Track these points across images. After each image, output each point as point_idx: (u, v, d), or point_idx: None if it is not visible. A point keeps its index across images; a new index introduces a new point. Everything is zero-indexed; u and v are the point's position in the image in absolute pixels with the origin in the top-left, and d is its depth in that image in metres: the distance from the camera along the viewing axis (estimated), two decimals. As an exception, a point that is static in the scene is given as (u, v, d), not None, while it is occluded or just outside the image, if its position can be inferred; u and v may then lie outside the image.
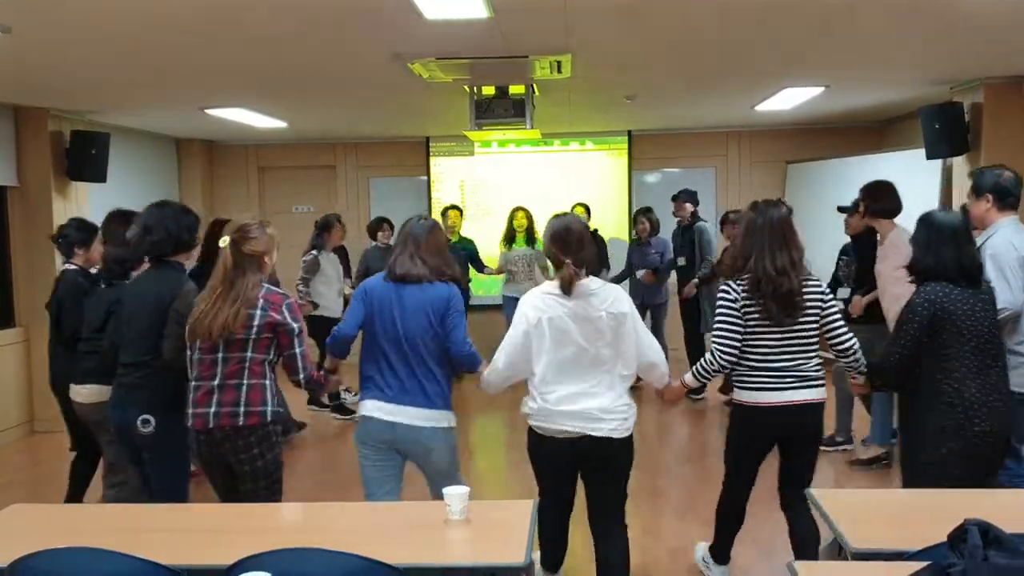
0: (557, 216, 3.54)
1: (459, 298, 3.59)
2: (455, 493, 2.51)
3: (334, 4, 4.28)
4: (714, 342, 3.57)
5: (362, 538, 2.40)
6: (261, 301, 3.35)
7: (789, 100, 7.77)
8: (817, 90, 7.26)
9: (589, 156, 10.26)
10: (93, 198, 7.68)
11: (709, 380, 3.83)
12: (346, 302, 7.51)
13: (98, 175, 7.51)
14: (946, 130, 6.92)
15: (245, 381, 3.36)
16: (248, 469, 3.39)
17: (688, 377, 3.74)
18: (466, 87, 6.49)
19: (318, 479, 5.82)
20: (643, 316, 7.85)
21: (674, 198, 8.19)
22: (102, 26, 4.57)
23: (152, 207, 3.86)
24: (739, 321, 3.49)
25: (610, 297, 3.36)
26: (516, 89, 6.47)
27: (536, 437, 3.44)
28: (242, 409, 3.34)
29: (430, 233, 3.59)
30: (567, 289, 3.31)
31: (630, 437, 3.49)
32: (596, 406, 3.34)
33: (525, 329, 3.35)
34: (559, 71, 5.93)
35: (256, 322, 3.33)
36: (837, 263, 6.14)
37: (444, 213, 9.01)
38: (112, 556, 2.17)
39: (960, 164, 7.16)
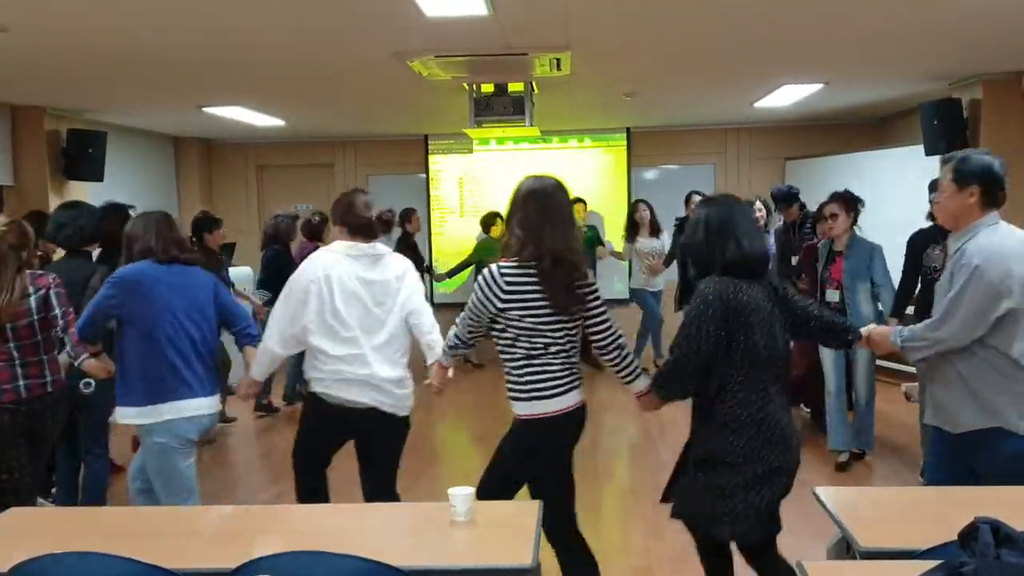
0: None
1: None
2: (460, 494, 2.49)
3: (335, 2, 4.26)
4: None
5: (366, 540, 2.38)
6: (31, 287, 3.73)
7: (788, 97, 7.76)
8: (816, 87, 7.25)
9: (588, 153, 10.25)
10: (90, 197, 7.63)
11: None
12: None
13: (95, 174, 7.49)
14: (945, 126, 6.92)
15: (43, 356, 3.78)
16: (56, 430, 3.87)
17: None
18: (465, 85, 6.47)
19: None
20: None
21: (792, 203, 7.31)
22: (99, 24, 4.55)
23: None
24: None
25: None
26: (515, 86, 6.47)
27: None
28: (49, 378, 3.79)
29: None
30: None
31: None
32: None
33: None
34: (559, 68, 5.91)
35: (34, 304, 3.72)
36: (919, 253, 5.14)
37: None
38: (114, 560, 2.14)
39: (960, 160, 7.16)
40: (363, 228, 3.64)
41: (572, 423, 3.18)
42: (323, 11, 4.41)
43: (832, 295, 5.42)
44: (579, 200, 9.10)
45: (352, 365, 3.54)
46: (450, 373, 3.49)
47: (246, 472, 6.01)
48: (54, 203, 7.25)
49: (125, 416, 3.67)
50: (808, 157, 9.41)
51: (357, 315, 3.53)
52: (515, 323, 3.07)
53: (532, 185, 3.21)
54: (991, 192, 3.00)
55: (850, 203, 5.36)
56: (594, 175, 10.20)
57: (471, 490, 2.52)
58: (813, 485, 2.68)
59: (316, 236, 7.66)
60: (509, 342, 3.11)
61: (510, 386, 3.15)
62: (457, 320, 3.29)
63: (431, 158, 10.30)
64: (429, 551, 2.37)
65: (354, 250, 3.59)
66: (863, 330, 3.31)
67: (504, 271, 3.08)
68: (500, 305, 3.06)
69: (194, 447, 3.74)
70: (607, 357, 3.22)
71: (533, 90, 6.58)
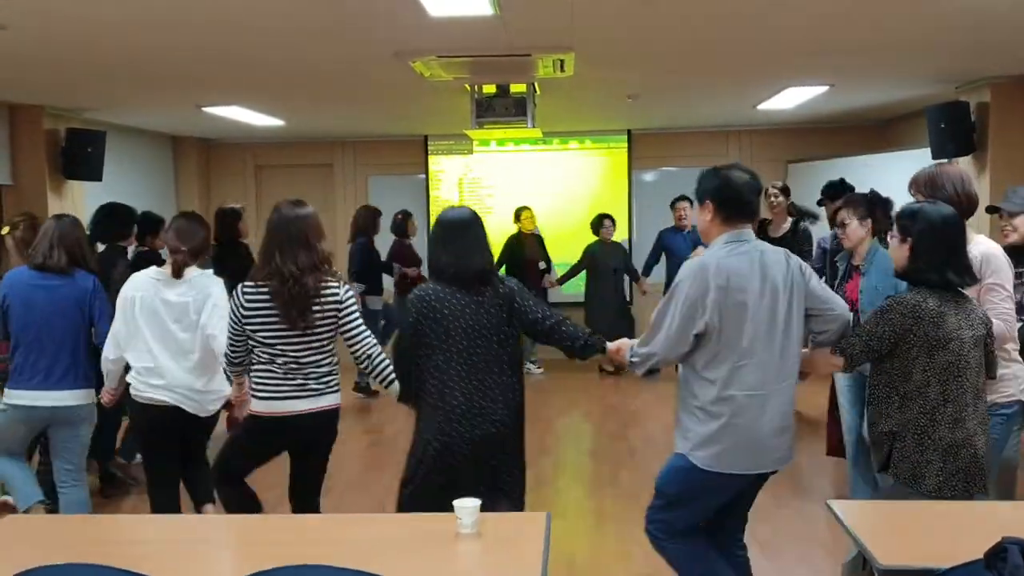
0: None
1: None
2: (466, 506, 2.43)
3: (337, 1, 4.21)
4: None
5: (369, 552, 2.32)
6: None
7: (791, 99, 7.72)
8: (821, 89, 7.20)
9: (588, 155, 10.20)
10: (89, 197, 7.59)
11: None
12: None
13: (94, 174, 7.43)
14: (952, 130, 6.88)
15: None
16: None
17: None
18: (467, 85, 6.42)
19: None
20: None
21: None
22: (98, 23, 4.50)
23: None
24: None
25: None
26: (517, 87, 6.41)
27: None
28: None
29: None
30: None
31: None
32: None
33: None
34: (562, 70, 5.86)
35: None
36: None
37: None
38: (112, 572, 2.09)
39: (966, 164, 7.11)
40: (172, 252, 4.07)
41: (267, 427, 3.59)
42: (325, 10, 4.36)
43: None
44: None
45: (152, 377, 3.94)
46: (244, 387, 3.80)
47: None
48: (52, 203, 7.20)
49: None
50: (811, 160, 9.36)
51: (158, 333, 3.94)
52: (252, 336, 3.52)
53: (275, 210, 3.57)
54: (727, 208, 2.95)
55: (865, 207, 4.44)
56: (594, 177, 10.15)
57: (477, 502, 2.46)
58: (827, 497, 2.61)
59: (402, 233, 8.32)
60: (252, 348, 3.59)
61: None
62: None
63: (431, 159, 10.25)
64: (434, 565, 2.31)
65: (161, 274, 4.00)
66: (612, 345, 3.35)
67: (245, 291, 3.51)
68: (243, 321, 3.51)
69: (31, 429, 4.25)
70: (360, 366, 3.65)
71: (535, 91, 6.53)
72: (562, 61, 5.67)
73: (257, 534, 2.68)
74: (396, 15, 4.48)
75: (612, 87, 7.07)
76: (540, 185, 10.01)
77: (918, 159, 7.55)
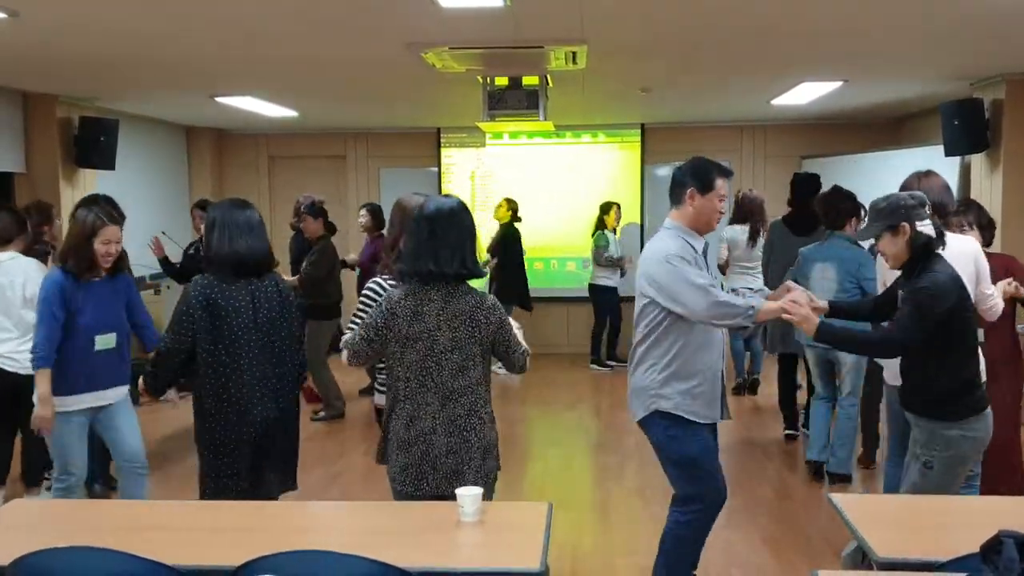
0: None
1: None
2: (468, 494, 2.45)
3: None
4: None
5: (372, 539, 2.34)
6: None
7: (806, 94, 7.68)
8: (835, 84, 7.17)
9: (601, 148, 10.18)
10: (101, 185, 7.64)
11: None
12: None
13: (107, 162, 7.47)
14: (966, 126, 6.83)
15: None
16: None
17: None
18: (479, 78, 6.41)
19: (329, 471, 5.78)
20: None
21: None
22: (112, 11, 4.52)
23: None
24: None
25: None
26: (530, 80, 6.39)
27: None
28: None
29: None
30: None
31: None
32: None
33: None
34: (574, 62, 5.85)
35: None
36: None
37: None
38: (115, 556, 2.11)
39: (978, 161, 7.07)
40: None
41: None
42: (337, 2, 4.37)
43: None
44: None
45: None
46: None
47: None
48: (65, 191, 7.26)
49: None
50: (824, 156, 9.33)
51: None
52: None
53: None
54: None
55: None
56: (607, 171, 10.13)
57: (479, 490, 2.48)
58: (829, 491, 2.62)
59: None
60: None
61: None
62: None
63: (444, 151, 10.26)
64: (435, 552, 2.33)
65: None
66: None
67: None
68: None
69: None
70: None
71: (548, 84, 6.52)
72: (574, 54, 5.66)
73: (260, 520, 2.70)
74: (408, 6, 4.49)
75: (625, 80, 7.06)
76: (552, 178, 10.01)
77: (931, 156, 7.51)
